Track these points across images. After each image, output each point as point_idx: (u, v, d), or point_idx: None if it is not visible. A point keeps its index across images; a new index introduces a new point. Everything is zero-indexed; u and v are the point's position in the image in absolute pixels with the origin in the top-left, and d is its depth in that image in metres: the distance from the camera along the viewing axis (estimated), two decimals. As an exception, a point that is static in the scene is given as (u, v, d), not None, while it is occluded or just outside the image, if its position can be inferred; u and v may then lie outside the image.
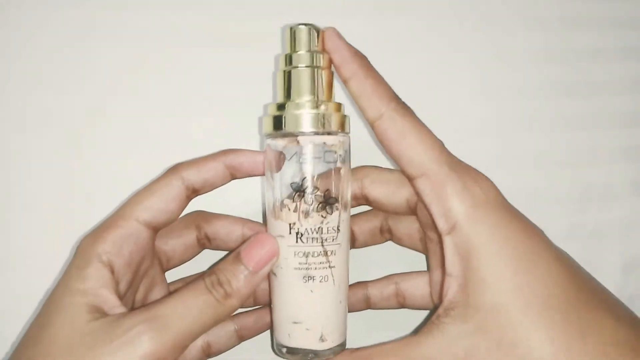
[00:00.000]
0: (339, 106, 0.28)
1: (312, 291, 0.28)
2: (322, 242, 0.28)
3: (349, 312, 0.31)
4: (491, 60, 0.37)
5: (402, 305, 0.33)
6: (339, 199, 0.28)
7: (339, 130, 0.28)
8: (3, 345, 0.31)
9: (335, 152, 0.28)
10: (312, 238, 0.28)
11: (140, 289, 0.29)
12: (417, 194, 0.27)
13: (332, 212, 0.28)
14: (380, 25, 0.36)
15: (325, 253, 0.28)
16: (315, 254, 0.28)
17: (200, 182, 0.28)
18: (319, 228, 0.27)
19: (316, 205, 0.27)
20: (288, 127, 0.27)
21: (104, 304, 0.25)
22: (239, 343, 0.32)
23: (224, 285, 0.25)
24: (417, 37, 0.36)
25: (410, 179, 0.27)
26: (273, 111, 0.28)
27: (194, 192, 0.29)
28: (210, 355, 0.31)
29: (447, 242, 0.25)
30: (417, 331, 0.26)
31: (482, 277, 0.24)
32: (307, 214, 0.27)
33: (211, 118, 0.34)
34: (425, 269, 0.33)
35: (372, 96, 0.27)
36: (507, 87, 0.37)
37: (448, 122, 0.36)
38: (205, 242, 0.31)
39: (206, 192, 0.29)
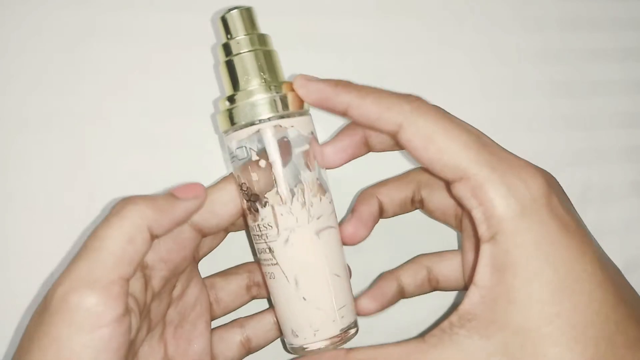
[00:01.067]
0: (289, 85, 0.27)
1: (270, 288, 0.28)
2: (264, 238, 0.27)
3: (387, 308, 0.31)
4: (490, 60, 0.37)
5: (434, 289, 0.31)
6: (263, 194, 0.26)
7: (257, 119, 0.26)
8: (1, 344, 0.31)
9: (245, 146, 0.26)
10: (256, 235, 0.27)
11: (177, 286, 0.28)
12: (457, 199, 0.24)
13: (258, 210, 0.26)
14: (380, 26, 0.36)
15: (270, 250, 0.27)
16: (262, 251, 0.27)
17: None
18: (257, 225, 0.27)
19: (247, 204, 0.27)
20: (220, 125, 0.27)
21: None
22: (280, 336, 0.31)
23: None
24: (417, 37, 0.36)
25: (449, 184, 0.24)
26: (222, 106, 0.27)
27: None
28: (251, 351, 0.31)
29: (485, 250, 0.23)
30: (423, 336, 0.24)
31: (514, 296, 0.22)
32: (248, 210, 0.27)
33: (212, 118, 0.34)
34: (448, 246, 0.33)
35: (380, 112, 0.25)
36: (506, 87, 0.37)
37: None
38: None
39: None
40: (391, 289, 0.31)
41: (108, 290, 0.22)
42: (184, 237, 0.26)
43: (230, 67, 0.27)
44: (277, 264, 0.27)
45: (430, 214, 0.31)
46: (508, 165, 0.23)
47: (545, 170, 0.24)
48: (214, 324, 0.30)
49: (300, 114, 0.27)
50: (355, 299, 0.30)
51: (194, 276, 0.29)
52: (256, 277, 0.31)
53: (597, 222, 0.38)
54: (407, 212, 0.32)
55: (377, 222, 0.31)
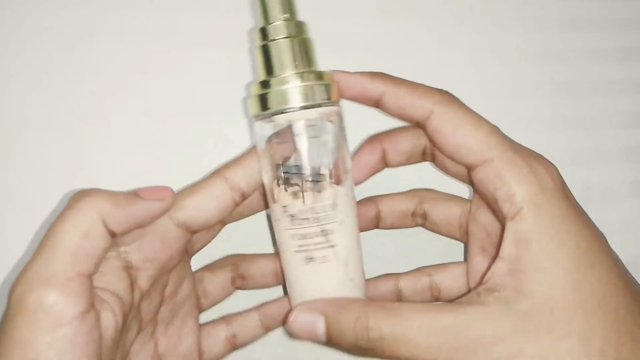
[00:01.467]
0: (323, 75, 0.27)
1: (315, 273, 0.27)
2: (318, 221, 0.26)
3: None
4: (490, 60, 0.37)
5: (436, 299, 0.31)
6: (330, 175, 0.26)
7: (324, 101, 0.26)
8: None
9: (319, 125, 0.26)
10: (306, 219, 0.26)
11: (169, 284, 0.28)
12: (479, 183, 0.26)
13: (323, 190, 0.26)
14: (379, 25, 0.36)
15: (323, 233, 0.26)
16: (312, 235, 0.26)
17: (245, 181, 0.27)
18: (311, 208, 0.26)
19: (304, 185, 0.26)
20: (270, 106, 0.26)
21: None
22: (265, 333, 0.31)
23: None
24: (417, 37, 0.36)
25: (470, 170, 0.26)
26: (256, 90, 0.27)
27: (241, 195, 0.27)
28: (237, 347, 0.31)
29: (510, 227, 0.24)
30: (451, 301, 0.26)
31: (541, 264, 0.23)
32: (295, 195, 0.26)
33: (212, 118, 0.34)
34: (452, 260, 0.32)
35: (413, 99, 0.26)
36: (506, 87, 0.37)
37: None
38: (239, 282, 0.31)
39: (252, 193, 0.28)
40: (386, 287, 0.31)
41: (66, 287, 0.21)
42: (170, 236, 0.26)
43: (266, 52, 0.27)
44: (334, 246, 0.27)
45: (433, 227, 0.32)
46: (529, 153, 0.25)
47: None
48: (202, 318, 0.31)
49: (332, 104, 0.27)
50: None
51: (186, 273, 0.29)
52: (240, 269, 0.31)
53: (597, 222, 0.37)
54: (408, 227, 0.32)
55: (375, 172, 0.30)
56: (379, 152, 0.30)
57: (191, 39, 0.34)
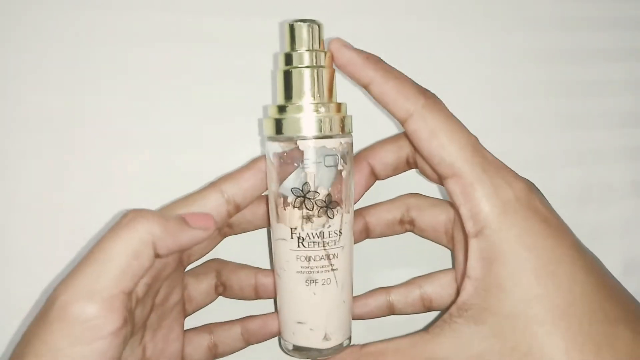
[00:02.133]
0: (340, 107, 0.28)
1: (315, 294, 0.28)
2: (324, 245, 0.28)
3: (370, 318, 0.32)
4: (490, 60, 0.37)
5: (428, 309, 0.32)
6: (341, 202, 0.28)
7: (340, 133, 0.28)
8: (1, 345, 0.31)
9: (336, 155, 0.27)
10: (314, 242, 0.27)
11: (161, 291, 0.28)
12: (448, 194, 0.26)
13: (333, 216, 0.28)
14: (380, 25, 0.36)
15: (328, 257, 0.28)
16: (318, 258, 0.28)
17: (241, 194, 0.28)
18: (320, 232, 0.27)
19: (317, 210, 0.27)
20: (288, 131, 0.27)
21: None
22: (245, 346, 0.32)
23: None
24: (417, 37, 0.36)
25: (441, 179, 0.27)
26: (273, 113, 0.28)
27: (236, 207, 0.28)
28: (217, 356, 0.31)
29: (473, 245, 0.25)
30: (427, 329, 0.26)
31: (502, 284, 0.24)
32: (308, 218, 0.27)
33: (211, 118, 0.34)
34: (440, 266, 0.33)
35: (397, 98, 0.26)
36: (506, 87, 0.37)
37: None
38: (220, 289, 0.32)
39: (249, 203, 0.28)
40: (377, 301, 0.32)
41: (109, 303, 0.22)
42: (219, 210, 0.27)
43: (287, 77, 0.28)
44: (335, 270, 0.28)
45: (421, 232, 0.32)
46: (496, 169, 0.26)
47: (527, 179, 0.26)
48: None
49: (343, 136, 0.28)
50: None
51: (179, 282, 0.29)
52: (222, 277, 0.31)
53: (597, 222, 0.38)
54: (397, 234, 0.33)
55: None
56: (367, 169, 0.30)
57: (191, 39, 0.33)
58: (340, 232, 0.28)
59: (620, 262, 0.38)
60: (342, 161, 0.28)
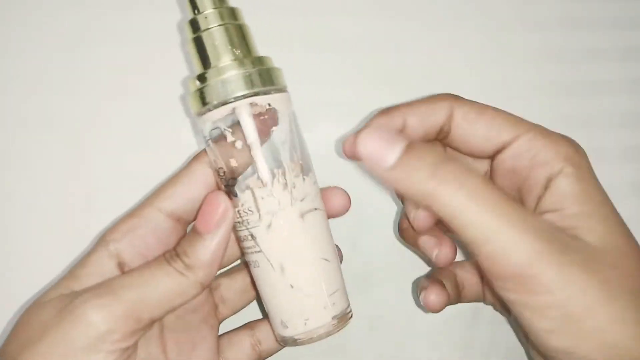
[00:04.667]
0: (264, 60, 0.25)
1: (255, 277, 0.26)
2: (245, 225, 0.25)
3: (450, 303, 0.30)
4: (490, 60, 0.37)
5: (459, 297, 0.31)
6: (248, 175, 0.25)
7: (273, 87, 0.25)
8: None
9: (219, 127, 0.25)
10: (238, 222, 0.25)
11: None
12: (511, 160, 0.26)
13: (237, 194, 0.25)
14: (380, 25, 0.36)
15: (252, 237, 0.25)
16: (245, 238, 0.26)
17: (181, 209, 0.26)
18: (238, 211, 0.25)
19: (228, 189, 0.25)
20: (216, 97, 0.24)
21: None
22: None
23: (181, 256, 0.24)
24: (417, 37, 0.36)
25: (499, 152, 0.27)
26: (195, 85, 0.25)
27: (178, 220, 0.26)
28: (261, 355, 0.30)
29: (555, 184, 0.25)
30: None
31: (595, 214, 0.24)
32: (229, 197, 0.25)
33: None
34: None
35: (429, 110, 0.27)
36: (506, 87, 0.37)
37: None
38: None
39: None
40: (451, 278, 0.30)
41: (132, 325, 0.22)
42: (162, 227, 0.26)
43: (199, 43, 0.25)
44: (260, 251, 0.25)
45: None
46: (543, 128, 0.27)
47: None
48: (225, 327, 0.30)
49: (278, 91, 0.25)
50: (423, 292, 0.29)
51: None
52: None
53: (597, 222, 0.38)
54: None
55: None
56: (399, 120, 0.27)
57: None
58: (256, 209, 0.25)
59: (620, 262, 0.38)
60: (229, 133, 0.25)
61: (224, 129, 0.24)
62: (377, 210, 0.35)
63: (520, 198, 0.27)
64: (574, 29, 0.38)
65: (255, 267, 0.26)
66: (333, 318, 0.26)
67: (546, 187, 0.25)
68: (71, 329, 0.22)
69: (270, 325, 0.28)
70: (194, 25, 0.25)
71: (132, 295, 0.23)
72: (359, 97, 0.35)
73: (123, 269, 0.25)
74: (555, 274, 0.21)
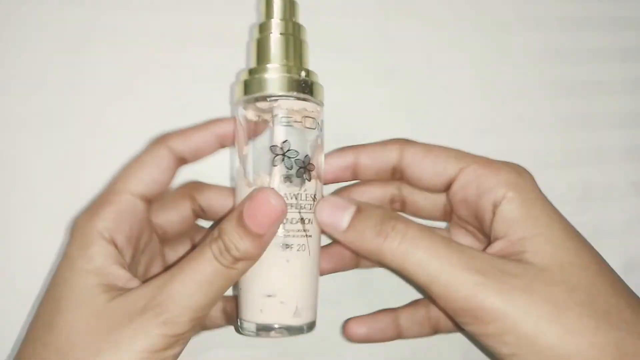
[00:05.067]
0: (314, 75, 0.28)
1: (288, 261, 0.26)
2: (299, 209, 0.27)
3: (376, 342, 0.31)
4: (491, 60, 0.37)
5: (435, 330, 0.32)
6: (317, 168, 0.27)
7: (318, 98, 0.27)
8: (3, 344, 0.31)
9: (314, 119, 0.27)
10: (290, 204, 0.26)
11: (141, 263, 0.28)
12: (459, 191, 0.28)
13: (310, 179, 0.27)
14: (380, 25, 0.36)
15: (302, 221, 0.27)
16: (294, 221, 0.26)
17: (189, 152, 0.28)
18: (297, 194, 0.26)
19: (296, 170, 0.26)
20: (268, 89, 0.26)
21: (117, 281, 0.25)
22: (226, 325, 0.31)
23: (231, 251, 0.24)
24: (417, 37, 0.36)
25: (449, 184, 0.28)
26: (251, 75, 0.27)
27: (182, 161, 0.28)
28: (230, 321, 0.31)
29: (499, 210, 0.26)
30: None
31: (541, 234, 0.25)
32: (287, 178, 0.26)
33: (212, 118, 0.34)
34: None
35: (381, 154, 0.29)
36: (506, 87, 0.37)
37: (448, 122, 0.36)
38: (199, 213, 0.31)
39: (194, 161, 0.29)
40: (385, 320, 0.32)
41: (195, 324, 0.24)
42: (138, 210, 0.27)
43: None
44: (310, 236, 0.27)
45: (416, 212, 0.32)
46: (488, 159, 0.28)
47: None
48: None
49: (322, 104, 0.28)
50: (347, 321, 0.32)
51: (157, 259, 0.30)
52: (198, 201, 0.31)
53: (597, 222, 0.38)
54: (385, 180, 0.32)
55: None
56: (350, 159, 0.30)
57: (191, 39, 0.34)
58: (314, 198, 0.27)
59: (620, 262, 0.38)
60: (319, 127, 0.27)
61: (318, 122, 0.27)
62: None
63: (479, 226, 0.29)
64: (574, 29, 0.38)
65: (298, 250, 0.27)
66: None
67: (493, 213, 0.26)
68: (148, 338, 0.23)
69: (260, 315, 0.27)
70: (261, 28, 0.28)
71: (194, 305, 0.24)
72: (360, 96, 0.35)
73: (117, 249, 0.26)
74: (498, 302, 0.23)
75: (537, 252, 0.25)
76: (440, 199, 0.31)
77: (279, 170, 0.26)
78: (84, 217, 0.26)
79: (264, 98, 0.26)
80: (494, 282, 0.24)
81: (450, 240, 0.25)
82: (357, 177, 0.31)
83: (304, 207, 0.27)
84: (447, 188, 0.29)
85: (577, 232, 0.26)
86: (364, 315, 0.32)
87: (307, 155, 0.27)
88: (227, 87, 0.34)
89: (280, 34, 0.27)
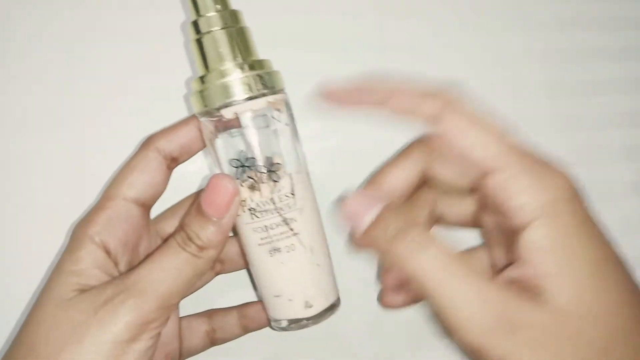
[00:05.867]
0: (262, 63, 0.26)
1: (282, 263, 0.27)
2: (278, 211, 0.26)
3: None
4: (490, 60, 0.37)
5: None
6: (285, 163, 0.26)
7: (266, 90, 0.26)
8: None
9: (266, 115, 0.26)
10: (266, 210, 0.26)
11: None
12: (489, 191, 0.24)
13: (279, 179, 0.26)
14: (380, 25, 0.36)
15: (285, 222, 0.26)
16: (274, 226, 0.26)
17: (177, 149, 0.28)
18: (270, 199, 0.26)
19: (260, 177, 0.26)
20: (211, 102, 0.25)
21: (96, 282, 0.25)
22: (244, 334, 0.32)
23: (194, 240, 0.25)
24: (417, 37, 0.36)
25: (480, 178, 0.25)
26: (196, 87, 0.26)
27: (173, 160, 0.28)
28: (215, 342, 0.31)
29: (524, 236, 0.23)
30: None
31: (561, 272, 0.23)
32: (253, 187, 0.26)
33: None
34: None
35: (413, 110, 0.26)
36: (506, 87, 0.37)
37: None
38: None
39: (186, 159, 0.29)
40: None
41: (165, 312, 0.25)
42: (133, 215, 0.27)
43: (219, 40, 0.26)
44: (297, 234, 0.27)
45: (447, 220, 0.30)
46: (539, 160, 0.25)
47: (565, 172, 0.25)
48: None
49: (282, 91, 0.27)
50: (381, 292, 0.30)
51: None
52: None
53: (597, 222, 0.38)
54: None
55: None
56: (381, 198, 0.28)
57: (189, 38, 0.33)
58: (292, 194, 0.26)
59: (620, 262, 0.38)
60: (275, 119, 0.26)
61: (271, 117, 0.26)
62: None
63: (498, 235, 0.27)
64: (574, 29, 0.38)
65: (287, 252, 0.27)
66: (336, 294, 0.29)
67: (517, 233, 0.23)
68: (112, 327, 0.23)
69: (278, 313, 0.28)
70: (196, 27, 0.26)
71: (161, 289, 0.24)
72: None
73: (110, 256, 0.26)
74: (505, 354, 0.22)
75: (558, 295, 0.22)
76: (470, 202, 0.29)
77: (243, 181, 0.26)
78: (79, 223, 0.26)
79: (212, 110, 0.26)
80: (506, 332, 0.22)
81: (468, 269, 0.23)
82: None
83: (283, 208, 0.26)
84: (475, 190, 0.27)
85: (616, 262, 0.24)
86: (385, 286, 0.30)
87: (268, 157, 0.26)
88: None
89: (220, 29, 0.26)
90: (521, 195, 0.23)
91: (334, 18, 0.35)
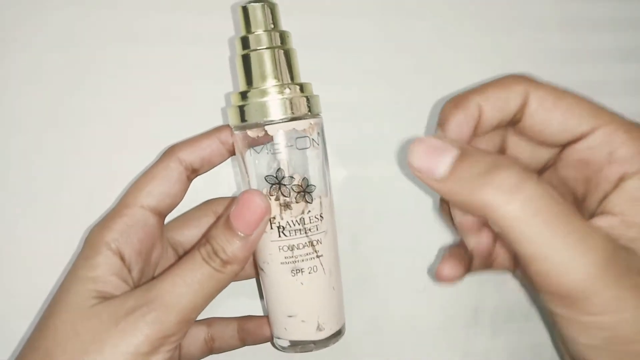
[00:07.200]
0: (305, 87, 0.27)
1: (302, 283, 0.27)
2: (306, 232, 0.27)
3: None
4: (490, 60, 0.37)
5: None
6: (319, 184, 0.27)
7: (308, 113, 0.26)
8: (8, 345, 0.31)
9: (307, 137, 0.26)
10: (296, 230, 0.26)
11: (152, 277, 0.28)
12: (585, 151, 0.24)
13: (312, 201, 0.26)
14: (380, 25, 0.36)
15: (311, 244, 0.27)
16: (301, 246, 0.27)
17: (198, 161, 0.28)
18: (301, 219, 0.26)
19: (295, 196, 0.26)
20: (254, 117, 0.26)
21: (114, 290, 0.25)
22: (241, 346, 0.31)
23: (219, 254, 0.25)
24: (417, 37, 0.36)
25: (574, 142, 0.25)
26: (236, 101, 0.27)
27: (193, 172, 0.28)
28: (213, 351, 0.31)
29: (629, 185, 0.23)
30: None
31: None
32: (286, 206, 0.26)
33: (212, 118, 0.34)
34: None
35: (499, 93, 0.25)
36: (507, 87, 0.37)
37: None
38: None
39: (206, 171, 0.29)
40: (460, 253, 0.29)
41: (186, 326, 0.25)
42: (149, 223, 0.27)
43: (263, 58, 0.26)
44: (320, 256, 0.27)
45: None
46: (624, 120, 0.25)
47: None
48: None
49: (320, 115, 0.28)
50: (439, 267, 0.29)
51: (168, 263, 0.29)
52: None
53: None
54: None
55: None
56: (475, 111, 0.26)
57: (192, 39, 0.34)
58: (321, 217, 0.27)
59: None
60: (314, 142, 0.27)
61: (312, 139, 0.26)
62: (377, 211, 0.35)
63: (585, 190, 0.25)
64: (574, 29, 0.38)
65: (309, 273, 0.27)
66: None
67: (616, 186, 0.23)
68: (133, 339, 0.23)
69: (287, 333, 0.28)
70: (244, 43, 0.26)
71: (183, 304, 0.24)
72: (360, 96, 0.35)
73: (125, 263, 0.26)
74: (611, 298, 0.21)
75: None
76: (547, 153, 0.27)
77: (278, 199, 0.26)
78: (95, 229, 0.26)
79: (252, 126, 0.26)
80: (614, 276, 0.21)
81: (571, 209, 0.21)
82: (476, 134, 0.26)
83: (310, 230, 0.27)
84: (567, 144, 0.26)
85: None
86: (446, 259, 0.29)
87: (304, 177, 0.26)
88: (229, 86, 0.34)
89: (266, 48, 0.26)
90: (625, 147, 0.23)
91: (334, 18, 0.35)
